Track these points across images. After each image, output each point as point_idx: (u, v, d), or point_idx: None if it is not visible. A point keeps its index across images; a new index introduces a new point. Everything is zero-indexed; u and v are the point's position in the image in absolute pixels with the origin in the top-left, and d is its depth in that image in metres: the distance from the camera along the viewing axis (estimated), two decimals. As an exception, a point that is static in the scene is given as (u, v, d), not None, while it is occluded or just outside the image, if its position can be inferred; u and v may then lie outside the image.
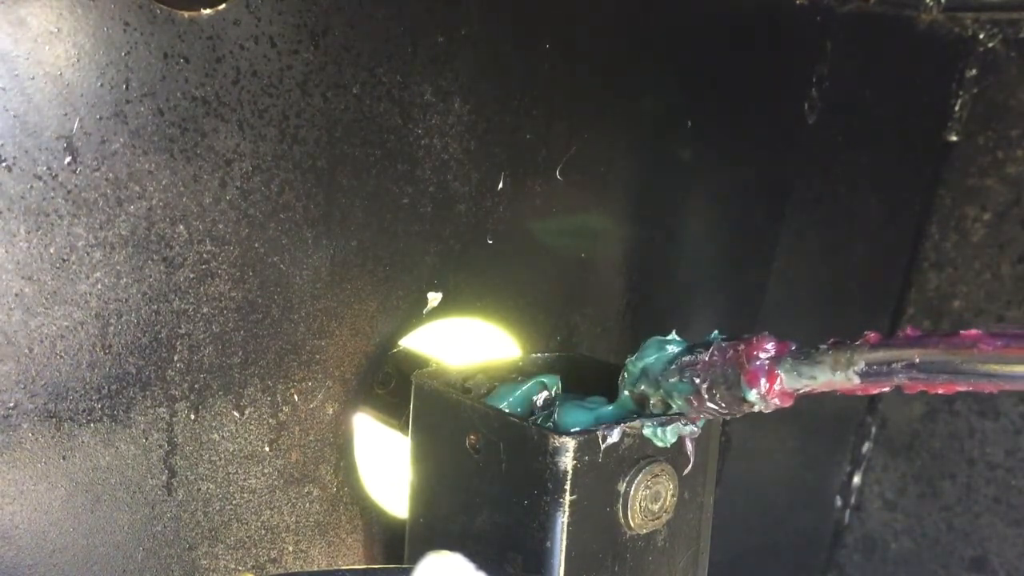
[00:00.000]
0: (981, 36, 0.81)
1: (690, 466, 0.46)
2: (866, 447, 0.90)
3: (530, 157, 0.61)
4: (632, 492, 0.44)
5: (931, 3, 0.79)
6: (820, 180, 0.81)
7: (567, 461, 0.42)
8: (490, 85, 0.57)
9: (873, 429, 0.90)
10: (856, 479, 0.91)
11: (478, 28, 0.56)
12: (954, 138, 0.83)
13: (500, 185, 0.60)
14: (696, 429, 0.45)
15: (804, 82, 0.77)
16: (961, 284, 0.85)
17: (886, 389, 0.36)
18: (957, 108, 0.83)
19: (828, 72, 0.78)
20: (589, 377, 0.52)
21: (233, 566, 0.53)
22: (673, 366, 0.43)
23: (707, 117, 0.71)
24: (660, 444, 0.45)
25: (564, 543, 0.43)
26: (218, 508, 0.52)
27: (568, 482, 0.42)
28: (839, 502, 0.92)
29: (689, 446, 0.46)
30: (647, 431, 0.44)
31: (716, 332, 0.43)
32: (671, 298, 0.74)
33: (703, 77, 0.70)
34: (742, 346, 0.40)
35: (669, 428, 0.44)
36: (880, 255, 0.87)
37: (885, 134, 0.83)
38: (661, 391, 0.43)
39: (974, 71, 0.82)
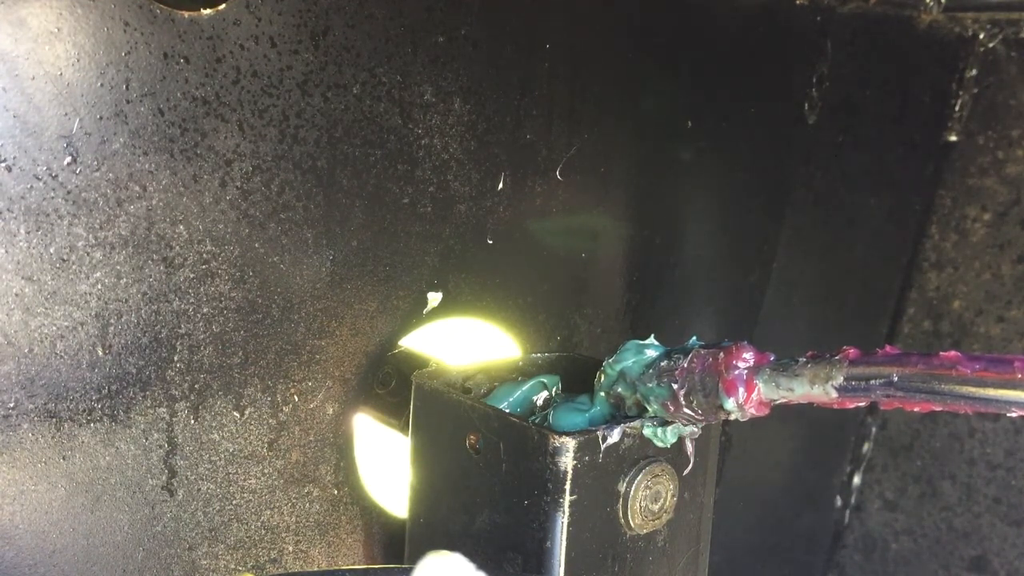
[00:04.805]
0: (981, 36, 0.81)
1: (690, 466, 0.46)
2: (866, 447, 0.90)
3: (530, 157, 0.61)
4: (632, 492, 0.44)
5: (931, 3, 0.80)
6: (820, 180, 0.81)
7: (567, 461, 0.42)
8: (490, 85, 0.57)
9: (873, 429, 0.90)
10: (856, 479, 0.91)
11: (478, 28, 0.56)
12: (954, 138, 0.83)
13: (500, 185, 0.60)
14: (696, 429, 0.45)
15: (804, 82, 0.77)
16: (961, 284, 0.85)
17: (862, 404, 0.36)
18: (957, 108, 0.83)
19: (828, 72, 0.78)
20: (589, 377, 0.52)
21: (233, 566, 0.53)
22: (651, 370, 0.43)
23: (707, 117, 0.71)
24: (660, 444, 0.45)
25: (564, 543, 0.43)
26: (218, 508, 0.52)
27: (568, 482, 0.42)
28: (839, 502, 0.92)
29: (689, 446, 0.46)
30: (647, 431, 0.44)
31: (695, 338, 0.43)
32: (671, 298, 0.74)
33: (703, 77, 0.70)
34: (721, 354, 0.40)
35: (669, 428, 0.44)
36: (880, 255, 0.87)
37: (885, 134, 0.83)
38: (637, 394, 0.44)
39: (974, 71, 0.82)
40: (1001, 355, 0.33)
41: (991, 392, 0.33)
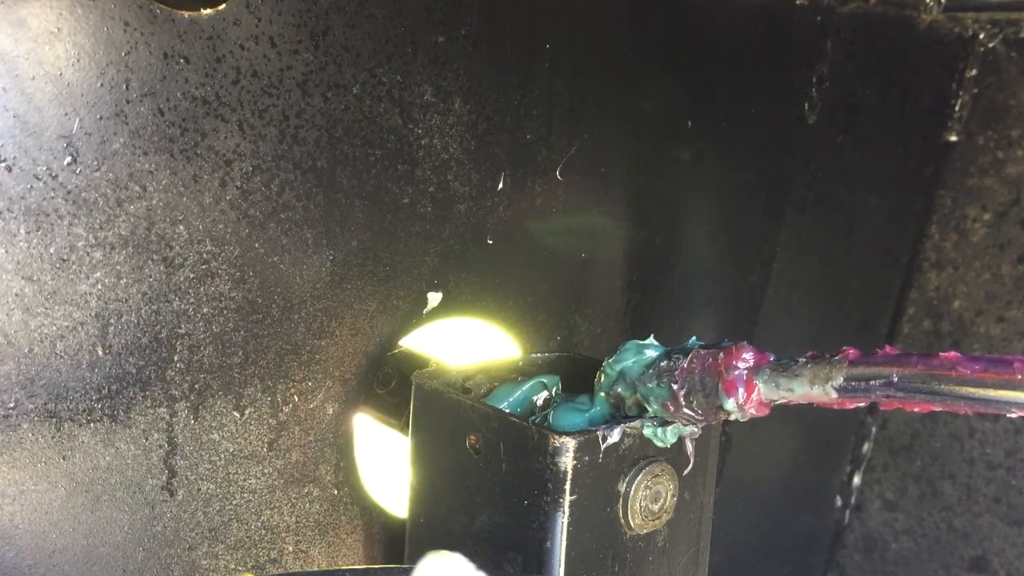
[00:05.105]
0: (981, 36, 0.81)
1: (690, 466, 0.46)
2: (866, 447, 0.90)
3: (530, 157, 0.61)
4: (632, 492, 0.44)
5: (931, 3, 0.80)
6: (820, 180, 0.81)
7: (567, 461, 0.42)
8: (490, 85, 0.57)
9: (873, 429, 0.90)
10: (856, 479, 0.91)
11: (478, 28, 0.56)
12: (954, 138, 0.83)
13: (500, 185, 0.60)
14: (696, 430, 0.45)
15: (804, 82, 0.77)
16: (961, 284, 0.85)
17: (862, 404, 0.36)
18: (957, 108, 0.83)
19: (828, 72, 0.78)
20: (589, 377, 0.52)
21: (233, 566, 0.53)
22: (651, 371, 0.43)
23: (707, 117, 0.71)
24: (660, 444, 0.45)
25: (564, 543, 0.43)
26: (218, 508, 0.52)
27: (568, 482, 0.42)
28: (839, 502, 0.92)
29: (689, 446, 0.46)
30: (647, 431, 0.44)
31: (694, 338, 0.43)
32: (671, 298, 0.74)
33: (703, 77, 0.70)
34: (721, 354, 0.40)
35: (669, 428, 0.44)
36: (880, 255, 0.87)
37: (885, 134, 0.83)
38: (637, 394, 0.44)
39: (974, 71, 0.82)
40: (1001, 355, 0.33)
41: (991, 393, 0.33)
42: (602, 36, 0.63)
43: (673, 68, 0.68)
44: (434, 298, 0.58)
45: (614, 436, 0.43)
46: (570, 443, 0.42)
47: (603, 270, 0.68)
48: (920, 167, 0.85)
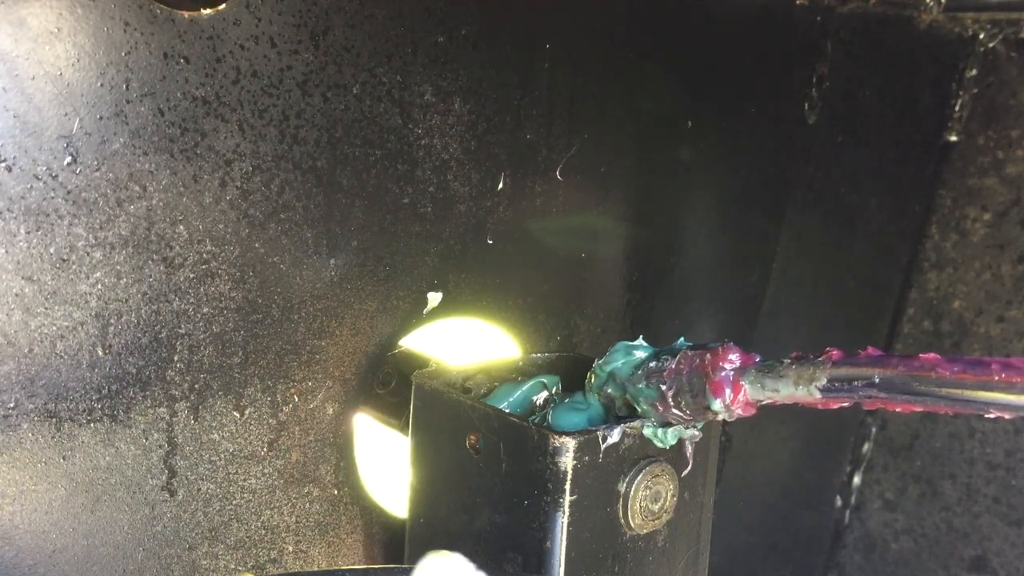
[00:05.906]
0: (981, 36, 0.81)
1: (690, 466, 0.46)
2: (866, 447, 0.90)
3: (530, 157, 0.61)
4: (632, 492, 0.44)
5: (931, 3, 0.80)
6: (820, 180, 0.81)
7: (567, 461, 0.42)
8: (490, 85, 0.57)
9: (873, 429, 0.90)
10: (856, 479, 0.91)
11: (478, 28, 0.56)
12: (954, 138, 0.83)
13: (500, 185, 0.60)
14: (696, 432, 0.46)
15: (804, 82, 0.77)
16: (961, 284, 0.85)
17: (846, 404, 0.37)
18: (957, 108, 0.83)
19: (828, 72, 0.78)
20: (589, 377, 0.52)
21: (233, 566, 0.53)
22: (640, 371, 0.43)
23: (707, 117, 0.71)
24: (660, 445, 0.45)
25: (564, 543, 0.43)
26: (218, 508, 0.52)
27: (568, 482, 0.42)
28: (839, 502, 0.92)
29: (689, 448, 0.46)
30: (647, 431, 0.44)
31: (682, 339, 0.43)
32: (671, 298, 0.74)
33: (703, 77, 0.70)
34: (708, 355, 0.41)
35: (670, 429, 0.44)
36: (880, 255, 0.87)
37: (885, 134, 0.83)
38: (627, 395, 0.44)
39: (974, 71, 0.82)
40: (980, 357, 0.33)
41: (969, 393, 0.33)
42: (602, 36, 0.63)
43: (673, 68, 0.68)
44: (434, 298, 0.58)
45: (614, 436, 0.43)
46: (570, 443, 0.42)
47: (603, 270, 0.68)
48: (920, 167, 0.85)
